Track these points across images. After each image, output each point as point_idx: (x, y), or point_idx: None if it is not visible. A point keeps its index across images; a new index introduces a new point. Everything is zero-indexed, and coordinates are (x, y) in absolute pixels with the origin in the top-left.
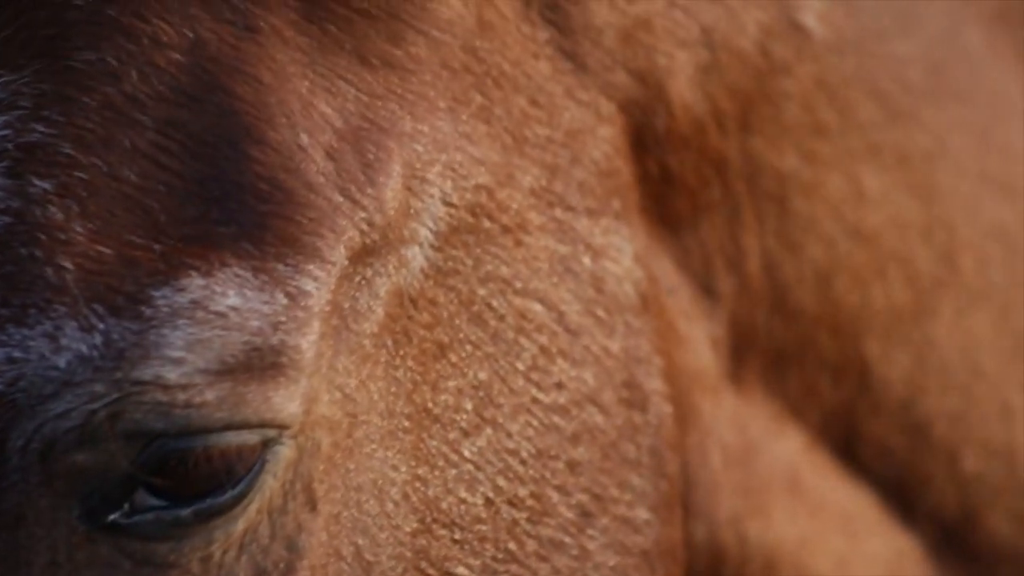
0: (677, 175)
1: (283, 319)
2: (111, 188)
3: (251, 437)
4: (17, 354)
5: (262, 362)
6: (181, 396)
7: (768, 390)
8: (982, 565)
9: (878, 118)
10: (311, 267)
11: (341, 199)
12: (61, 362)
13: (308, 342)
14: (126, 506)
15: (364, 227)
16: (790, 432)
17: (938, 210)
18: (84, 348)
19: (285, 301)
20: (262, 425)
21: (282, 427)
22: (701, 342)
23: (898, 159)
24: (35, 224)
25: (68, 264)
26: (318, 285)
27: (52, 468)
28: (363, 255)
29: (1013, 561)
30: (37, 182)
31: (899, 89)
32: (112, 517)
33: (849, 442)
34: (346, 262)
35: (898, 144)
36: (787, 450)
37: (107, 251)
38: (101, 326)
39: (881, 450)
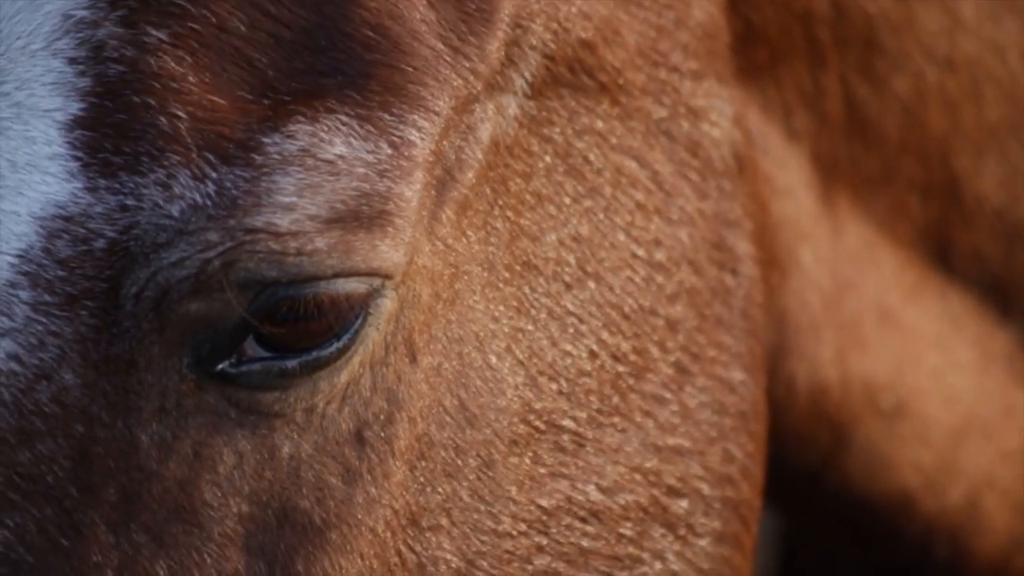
0: (759, 29)
1: (388, 168)
2: (221, 40)
3: (358, 286)
4: (130, 202)
5: (370, 210)
6: (293, 244)
7: (860, 216)
8: None
9: None
10: (415, 117)
11: (443, 47)
12: (175, 210)
13: (412, 191)
14: (234, 356)
15: (468, 76)
16: (882, 255)
17: None
18: (197, 197)
19: (389, 151)
20: (370, 274)
21: (387, 276)
22: (795, 187)
23: None
24: (149, 73)
25: (181, 113)
26: (422, 135)
27: (165, 316)
28: (466, 104)
29: None
30: (152, 31)
31: None
32: (221, 366)
33: (943, 251)
34: (450, 111)
35: None
36: (878, 282)
37: (219, 101)
38: (213, 175)
39: (976, 256)
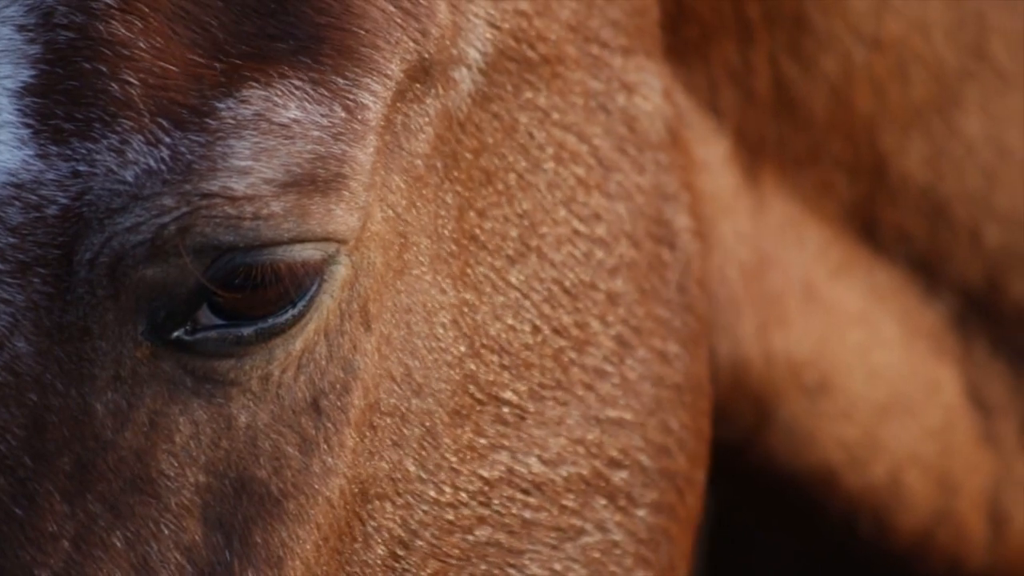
0: (690, 7)
1: (342, 131)
2: (170, 3)
3: (314, 252)
4: (83, 168)
5: (326, 172)
6: (248, 208)
7: (785, 193)
8: (1007, 326)
9: None
10: (368, 80)
11: (394, 9)
12: (128, 175)
13: (366, 155)
14: (190, 324)
15: (418, 38)
16: (808, 232)
17: (969, 3)
18: (151, 162)
19: (343, 114)
20: (325, 238)
21: (342, 241)
22: (715, 163)
23: None
24: (99, 39)
25: (133, 79)
26: (375, 99)
27: (120, 282)
28: (418, 70)
29: None
30: None
31: None
32: (176, 334)
33: (869, 228)
34: (401, 75)
35: None
36: (802, 258)
37: (170, 67)
38: (167, 139)
39: (901, 234)
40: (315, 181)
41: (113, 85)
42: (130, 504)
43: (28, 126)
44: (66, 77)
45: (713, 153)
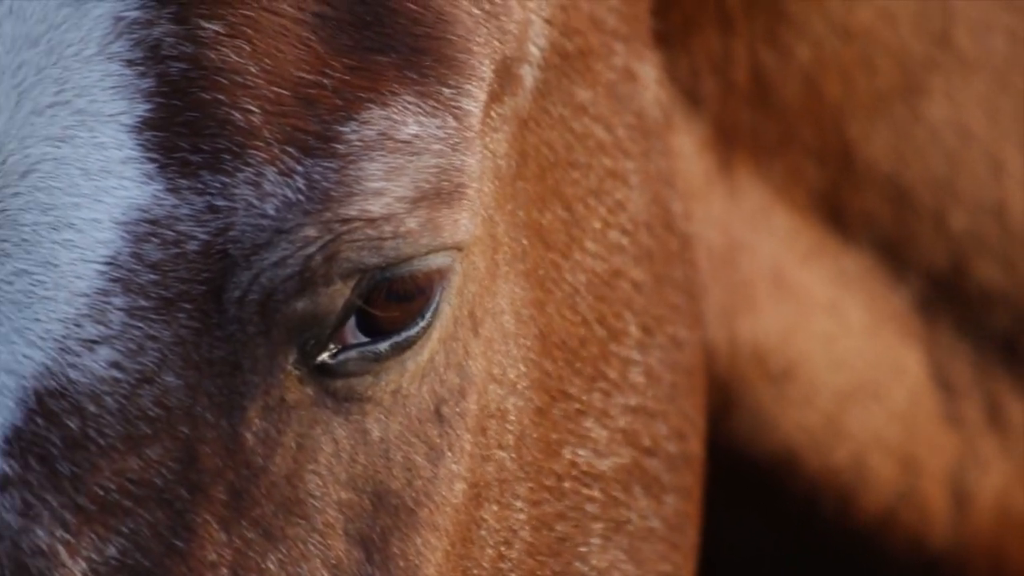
0: None
1: (457, 140)
2: (272, 23)
3: (445, 259)
4: (220, 202)
5: (450, 184)
6: (387, 228)
7: (758, 181)
8: (973, 309)
9: None
10: (469, 86)
11: (478, 11)
12: (270, 209)
13: (476, 161)
14: (332, 347)
15: (500, 37)
16: (778, 219)
17: None
18: (289, 193)
19: (455, 123)
20: (454, 247)
21: (463, 249)
22: (688, 149)
23: None
24: (212, 68)
25: (253, 107)
26: (476, 104)
27: (271, 318)
28: (500, 70)
29: (1004, 303)
30: (206, 24)
31: None
32: (321, 358)
33: (837, 215)
34: (492, 76)
35: None
36: (771, 245)
37: (284, 92)
38: (299, 168)
39: (868, 220)
40: (440, 194)
41: (235, 114)
42: (281, 527)
43: (153, 160)
44: (185, 108)
45: (687, 141)
